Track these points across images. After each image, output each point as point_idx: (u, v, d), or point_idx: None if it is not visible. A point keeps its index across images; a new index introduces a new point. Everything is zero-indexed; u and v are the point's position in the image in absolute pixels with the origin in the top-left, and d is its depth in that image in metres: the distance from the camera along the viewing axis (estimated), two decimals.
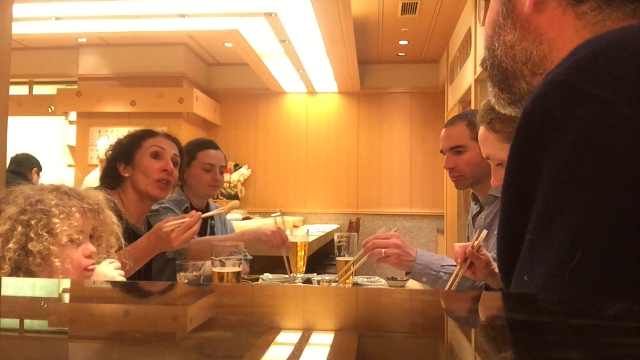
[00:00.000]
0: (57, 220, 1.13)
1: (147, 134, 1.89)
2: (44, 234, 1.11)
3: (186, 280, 1.71)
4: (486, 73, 0.76)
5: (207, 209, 2.35)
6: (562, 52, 0.64)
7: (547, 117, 0.55)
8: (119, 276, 1.25)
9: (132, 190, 1.82)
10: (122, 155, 1.84)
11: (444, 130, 1.93)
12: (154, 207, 2.17)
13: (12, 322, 0.46)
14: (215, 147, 2.35)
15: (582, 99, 0.53)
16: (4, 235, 1.09)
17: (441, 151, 1.93)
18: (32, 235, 1.10)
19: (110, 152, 1.89)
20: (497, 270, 1.46)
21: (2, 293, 0.60)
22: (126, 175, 1.82)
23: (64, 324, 0.47)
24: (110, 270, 1.23)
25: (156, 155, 1.83)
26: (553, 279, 0.52)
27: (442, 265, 1.68)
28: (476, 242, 1.44)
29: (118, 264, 1.26)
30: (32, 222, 1.11)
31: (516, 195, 0.58)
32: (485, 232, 1.48)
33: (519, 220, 0.56)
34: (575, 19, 0.64)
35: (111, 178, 1.82)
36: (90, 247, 1.19)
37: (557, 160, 0.53)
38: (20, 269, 1.09)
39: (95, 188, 1.49)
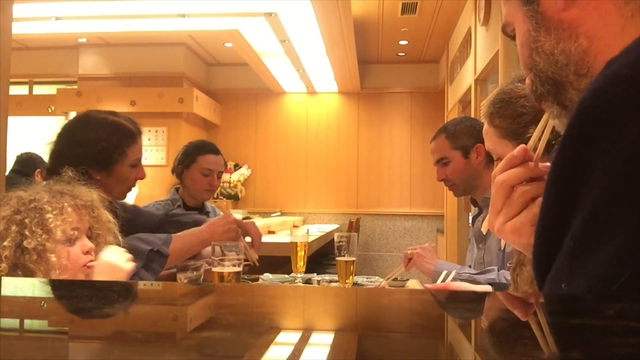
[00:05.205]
0: (50, 216, 1.14)
1: (129, 138, 1.68)
2: (38, 230, 1.12)
3: (186, 281, 1.71)
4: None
5: (202, 207, 2.36)
6: (603, 40, 0.60)
7: (606, 114, 0.49)
8: (127, 264, 1.21)
9: (103, 192, 1.59)
10: (100, 162, 1.62)
11: (430, 145, 2.05)
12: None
13: (12, 322, 0.46)
14: (216, 152, 2.35)
15: None
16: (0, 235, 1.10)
17: (434, 164, 2.05)
18: (26, 232, 1.11)
19: (78, 151, 1.60)
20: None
21: (2, 293, 0.60)
22: (98, 178, 1.62)
23: (64, 324, 0.47)
24: (119, 259, 1.19)
25: (135, 165, 1.70)
26: (594, 293, 0.48)
27: (458, 273, 1.73)
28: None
29: (130, 255, 1.23)
30: (26, 220, 1.12)
31: (560, 196, 0.53)
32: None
33: (560, 223, 0.52)
34: None
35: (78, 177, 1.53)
36: (89, 244, 1.20)
37: (614, 165, 0.48)
38: (17, 267, 1.10)
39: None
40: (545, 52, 0.65)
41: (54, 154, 1.64)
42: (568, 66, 0.63)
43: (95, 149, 1.62)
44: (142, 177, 1.72)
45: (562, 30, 0.63)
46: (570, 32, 0.63)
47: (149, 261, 1.65)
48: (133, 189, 1.74)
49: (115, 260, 1.21)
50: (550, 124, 0.74)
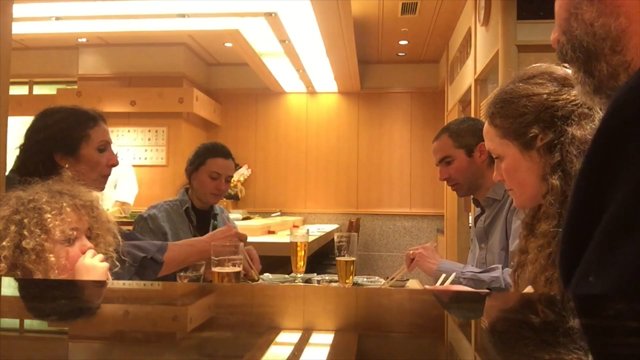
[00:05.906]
0: (49, 216, 1.13)
1: (90, 120, 1.68)
2: (37, 230, 1.12)
3: (186, 280, 1.71)
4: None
5: (210, 210, 2.35)
6: None
7: None
8: (100, 263, 1.18)
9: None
10: (63, 144, 1.61)
11: (433, 144, 2.07)
12: (145, 213, 2.19)
13: (12, 322, 0.46)
14: (227, 155, 2.31)
15: None
16: None
17: (436, 164, 2.06)
18: (25, 233, 1.11)
19: (39, 136, 1.61)
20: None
21: (2, 293, 0.60)
22: (65, 165, 1.59)
23: (64, 323, 0.47)
24: (91, 261, 1.17)
25: (103, 150, 1.67)
26: (624, 285, 0.48)
27: (462, 272, 1.75)
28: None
29: (101, 255, 1.21)
30: (25, 220, 1.12)
31: (591, 190, 0.53)
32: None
33: (589, 218, 0.52)
34: None
35: (46, 168, 1.54)
36: (88, 244, 1.19)
37: None
38: (16, 267, 1.10)
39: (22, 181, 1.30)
40: (585, 21, 0.66)
41: (21, 149, 1.64)
42: (605, 40, 0.64)
43: (55, 130, 1.63)
44: (115, 163, 1.69)
45: (605, 5, 0.63)
46: (612, 9, 0.63)
47: (142, 268, 1.65)
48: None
49: (89, 262, 1.18)
50: None
